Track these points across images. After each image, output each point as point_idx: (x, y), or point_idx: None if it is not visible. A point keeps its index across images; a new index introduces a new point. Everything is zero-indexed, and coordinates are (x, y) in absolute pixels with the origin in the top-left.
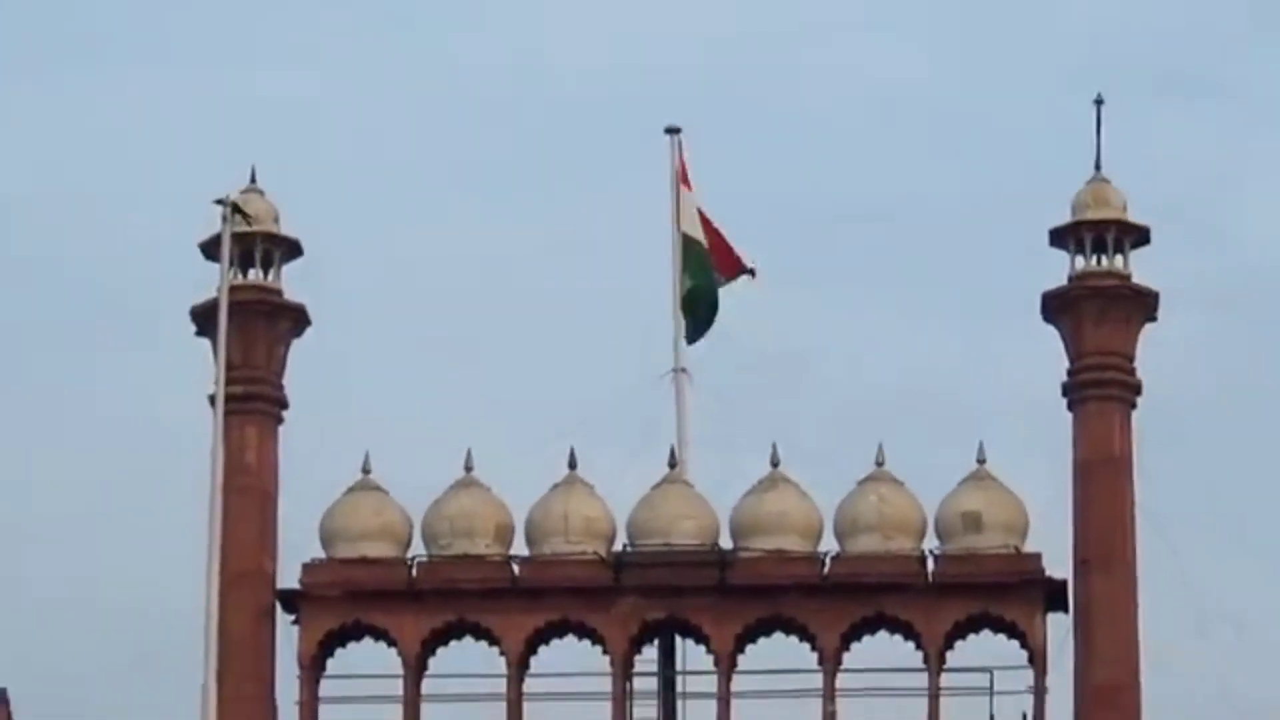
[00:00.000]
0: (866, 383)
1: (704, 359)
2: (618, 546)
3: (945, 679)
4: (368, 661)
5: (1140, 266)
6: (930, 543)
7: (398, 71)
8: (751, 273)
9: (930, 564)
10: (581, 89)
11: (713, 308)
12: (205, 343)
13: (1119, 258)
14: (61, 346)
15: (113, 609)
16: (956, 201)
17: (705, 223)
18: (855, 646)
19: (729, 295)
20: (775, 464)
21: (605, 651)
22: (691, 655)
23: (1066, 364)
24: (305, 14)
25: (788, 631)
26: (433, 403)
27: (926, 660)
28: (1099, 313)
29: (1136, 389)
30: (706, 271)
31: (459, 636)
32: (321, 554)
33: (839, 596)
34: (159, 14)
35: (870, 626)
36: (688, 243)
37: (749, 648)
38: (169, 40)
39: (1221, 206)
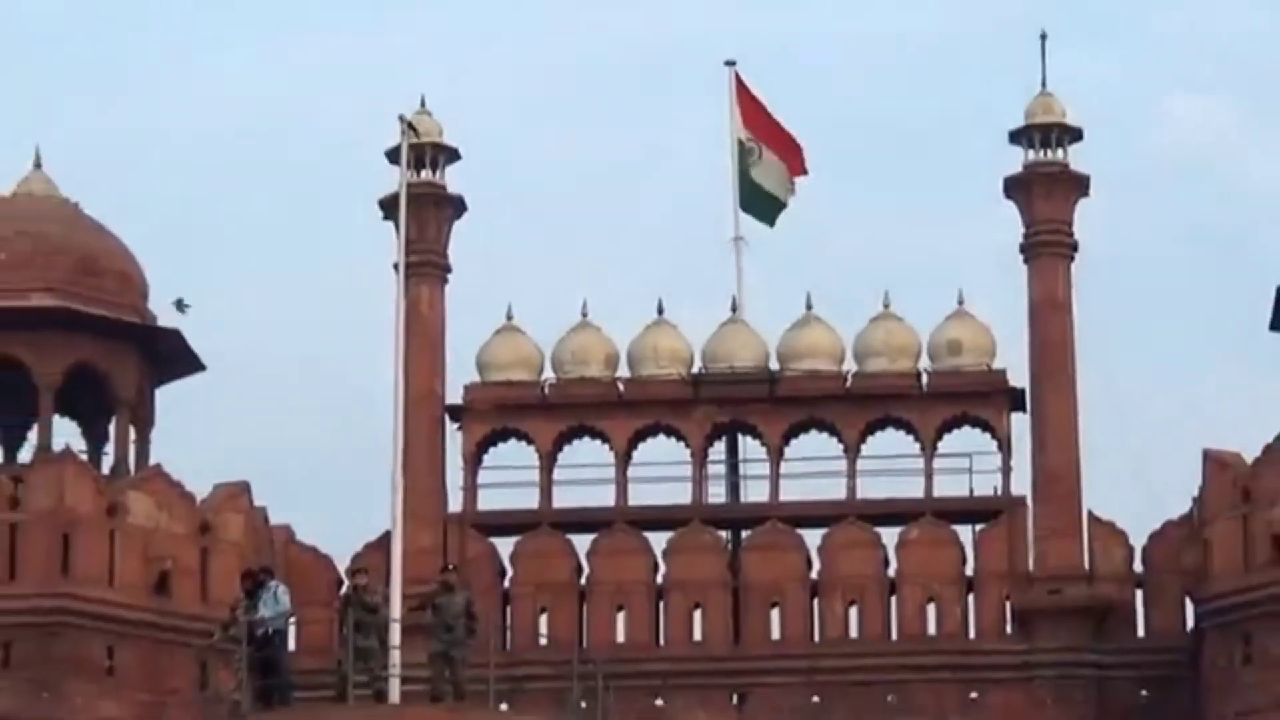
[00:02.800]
0: (875, 246)
1: (757, 230)
2: (695, 369)
3: (936, 463)
4: (512, 457)
5: (1075, 157)
6: (924, 363)
7: (526, 24)
8: (804, 172)
9: (924, 379)
10: (655, 32)
11: (769, 197)
12: (390, 225)
13: (1060, 151)
14: (290, 229)
15: (327, 421)
16: (940, 115)
17: (780, 133)
18: (870, 439)
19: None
20: (809, 307)
21: (686, 446)
22: (750, 448)
23: (1022, 230)
24: None
25: (820, 430)
26: (557, 265)
27: (922, 449)
28: (1045, 192)
29: (1074, 248)
30: (750, 167)
31: (579, 437)
32: (478, 378)
33: (857, 403)
34: None
35: (880, 425)
36: (742, 146)
37: (792, 442)
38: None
39: (1134, 114)
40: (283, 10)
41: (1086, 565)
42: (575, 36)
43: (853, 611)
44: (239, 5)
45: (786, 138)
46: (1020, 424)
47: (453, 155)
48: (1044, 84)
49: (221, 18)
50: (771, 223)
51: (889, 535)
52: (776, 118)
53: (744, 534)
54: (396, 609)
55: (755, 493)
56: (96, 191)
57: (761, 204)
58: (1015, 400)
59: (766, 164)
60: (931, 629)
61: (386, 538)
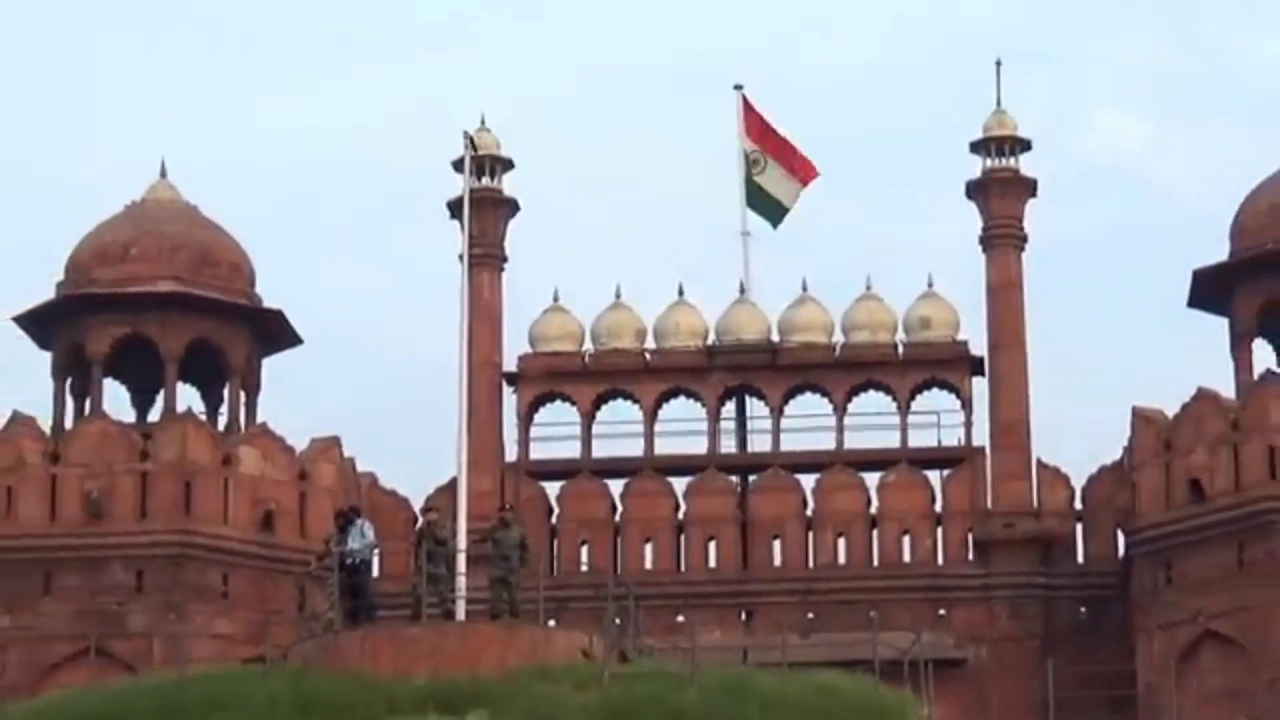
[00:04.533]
0: (860, 239)
1: (762, 226)
2: (709, 342)
3: (910, 419)
4: (558, 415)
5: (1026, 164)
6: (900, 336)
7: (567, 54)
8: (817, 174)
9: (900, 349)
10: (676, 59)
11: (775, 203)
12: (455, 223)
13: (1012, 159)
14: (373, 226)
15: (404, 386)
16: (913, 130)
17: (786, 146)
18: (855, 399)
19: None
20: (804, 290)
21: (702, 405)
22: (755, 407)
23: (981, 225)
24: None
25: (813, 391)
26: (594, 256)
27: (898, 407)
28: (1000, 193)
29: (1024, 239)
30: (755, 175)
31: (613, 398)
32: (529, 350)
33: (844, 369)
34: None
35: (863, 388)
36: (747, 157)
37: (790, 401)
38: (434, 35)
39: (1073, 127)
40: (369, 44)
41: (1035, 503)
42: (609, 64)
43: (841, 542)
44: (332, 40)
45: (792, 150)
46: (980, 386)
47: (508, 165)
48: (999, 103)
49: (318, 50)
50: (776, 224)
51: (871, 479)
52: (783, 134)
53: (750, 478)
54: (462, 541)
55: (760, 444)
56: (213, 195)
57: (768, 208)
58: (975, 366)
59: (771, 174)
60: (906, 557)
61: (453, 483)
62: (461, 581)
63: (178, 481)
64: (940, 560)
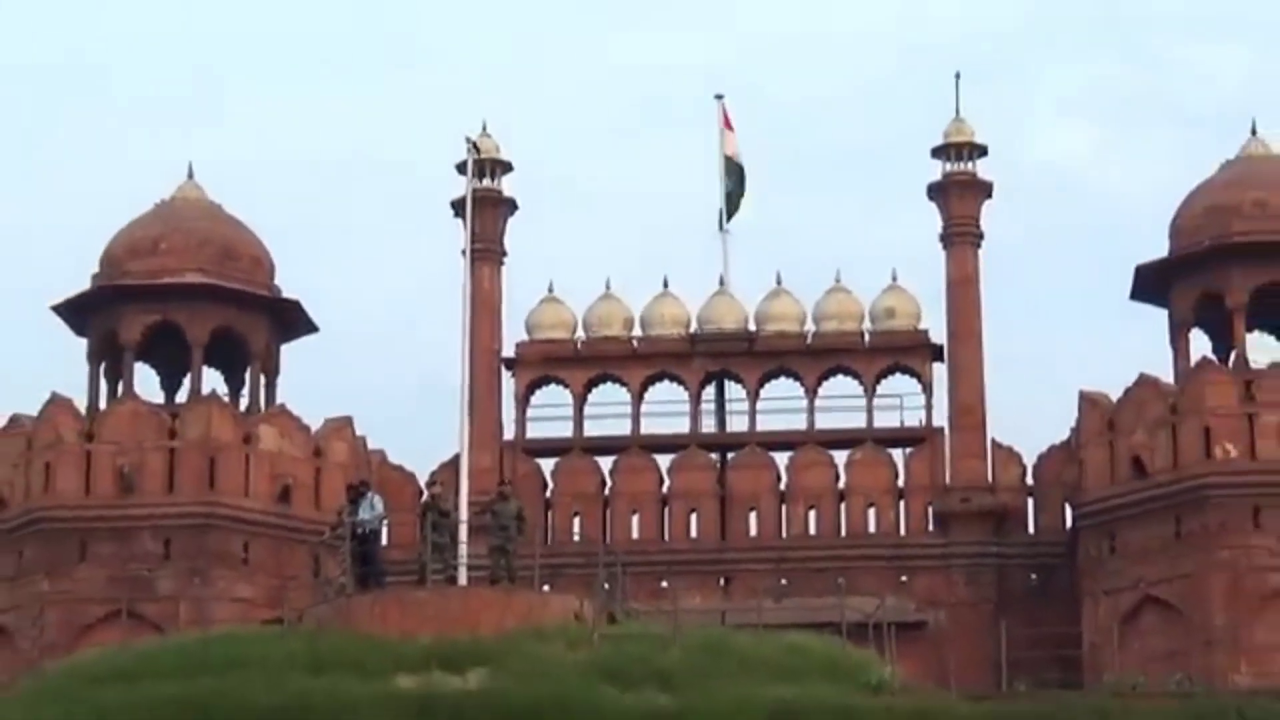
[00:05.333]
0: (830, 236)
1: (739, 224)
2: (691, 330)
3: (875, 401)
4: (552, 397)
5: (982, 169)
6: (866, 325)
7: (562, 66)
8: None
9: (866, 337)
10: (663, 72)
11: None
12: (458, 221)
13: (970, 164)
14: (382, 224)
15: (411, 370)
16: (879, 137)
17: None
18: (825, 383)
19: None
20: (779, 283)
21: (685, 389)
22: (733, 390)
23: (941, 224)
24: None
25: (787, 376)
26: (586, 251)
27: (864, 390)
28: (959, 195)
29: (981, 237)
30: (736, 179)
31: (603, 382)
32: (526, 337)
33: (816, 356)
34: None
35: (833, 372)
36: (727, 161)
37: (766, 385)
38: (439, 49)
39: (1025, 135)
40: (379, 58)
41: (990, 479)
42: (602, 76)
43: (811, 515)
44: (341, 50)
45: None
46: (940, 371)
47: (507, 167)
48: (958, 112)
49: (333, 64)
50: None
51: (839, 457)
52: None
53: (729, 456)
54: (464, 513)
55: (737, 424)
56: (235, 195)
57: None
58: (936, 353)
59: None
60: (872, 528)
61: (456, 459)
62: (463, 550)
63: (203, 458)
64: (903, 531)
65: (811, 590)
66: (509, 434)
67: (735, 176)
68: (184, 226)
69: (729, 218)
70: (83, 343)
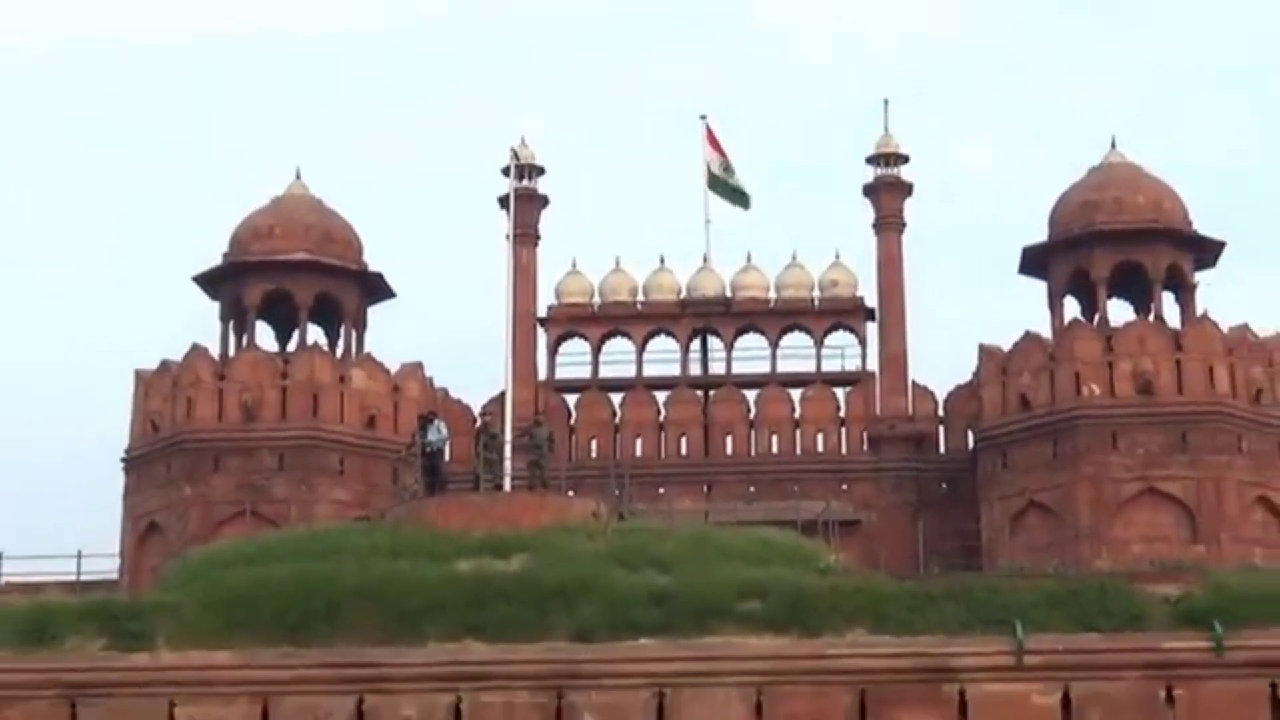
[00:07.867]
0: (789, 226)
1: (720, 216)
2: (682, 296)
3: (824, 351)
4: (576, 348)
5: (905, 173)
6: (816, 293)
7: (583, 91)
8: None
9: (816, 303)
10: (658, 94)
11: (739, 195)
12: (503, 213)
13: (898, 169)
14: (444, 215)
15: (469, 329)
16: (827, 148)
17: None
18: (785, 338)
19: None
20: (749, 260)
21: (676, 341)
22: (714, 343)
23: (873, 215)
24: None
25: (755, 332)
26: (602, 236)
27: (815, 343)
28: (887, 193)
29: (904, 226)
30: (721, 182)
31: (615, 336)
32: (556, 302)
33: (778, 315)
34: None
35: (791, 329)
36: (724, 169)
37: (740, 339)
38: (487, 76)
39: (939, 146)
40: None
41: (910, 411)
42: (614, 98)
43: (774, 438)
44: (415, 80)
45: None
46: (872, 329)
47: (541, 170)
48: (886, 129)
49: (407, 89)
50: (747, 208)
51: (795, 393)
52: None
53: (711, 393)
54: (508, 435)
55: (717, 369)
56: (333, 191)
57: (742, 200)
58: (869, 314)
59: (739, 175)
60: (820, 448)
61: (502, 395)
62: (508, 464)
63: (307, 394)
64: (844, 451)
65: (775, 496)
66: (542, 375)
67: (726, 187)
68: (293, 216)
69: (746, 208)
70: (216, 306)
